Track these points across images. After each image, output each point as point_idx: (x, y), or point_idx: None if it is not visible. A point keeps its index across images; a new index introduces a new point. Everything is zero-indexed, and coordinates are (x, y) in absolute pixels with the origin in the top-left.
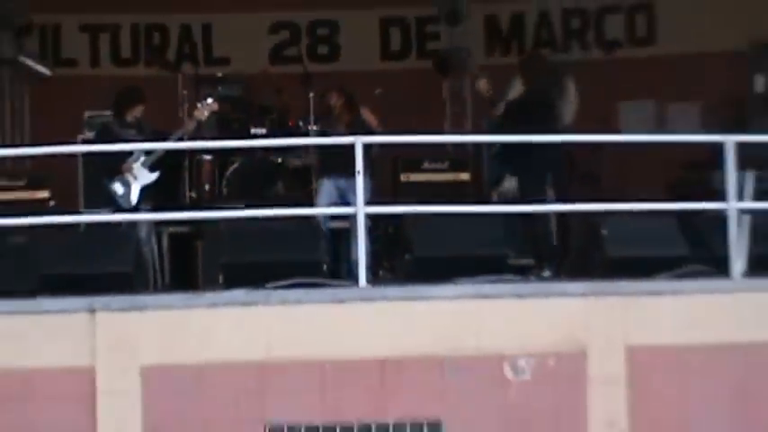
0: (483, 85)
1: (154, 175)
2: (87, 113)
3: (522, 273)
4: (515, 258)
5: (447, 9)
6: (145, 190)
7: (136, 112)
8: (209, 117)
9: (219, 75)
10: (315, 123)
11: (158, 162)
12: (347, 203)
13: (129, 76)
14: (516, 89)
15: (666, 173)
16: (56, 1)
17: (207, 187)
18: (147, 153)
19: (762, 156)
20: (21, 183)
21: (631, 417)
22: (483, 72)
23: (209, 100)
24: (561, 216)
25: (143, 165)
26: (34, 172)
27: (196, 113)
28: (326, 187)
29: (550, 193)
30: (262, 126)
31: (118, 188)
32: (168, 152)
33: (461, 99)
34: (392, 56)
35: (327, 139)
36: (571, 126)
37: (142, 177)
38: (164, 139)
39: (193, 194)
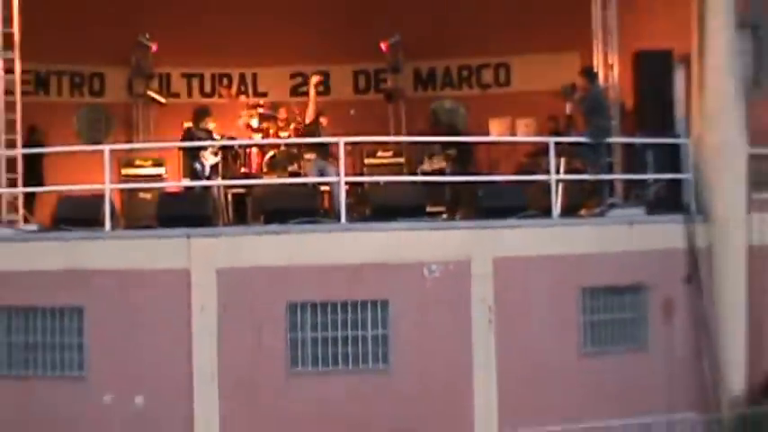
0: None
1: (216, 159)
2: (185, 125)
3: (434, 216)
4: (431, 207)
5: (391, 64)
6: (212, 167)
7: (206, 123)
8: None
9: (261, 102)
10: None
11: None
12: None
13: (209, 102)
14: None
15: (516, 159)
16: (167, 59)
17: (254, 166)
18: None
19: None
20: (149, 163)
21: (495, 297)
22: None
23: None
24: (457, 183)
25: (210, 153)
26: (156, 158)
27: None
28: (314, 166)
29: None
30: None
31: (198, 166)
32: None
33: (398, 116)
34: (360, 91)
35: (319, 138)
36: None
37: (210, 160)
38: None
39: (245, 170)
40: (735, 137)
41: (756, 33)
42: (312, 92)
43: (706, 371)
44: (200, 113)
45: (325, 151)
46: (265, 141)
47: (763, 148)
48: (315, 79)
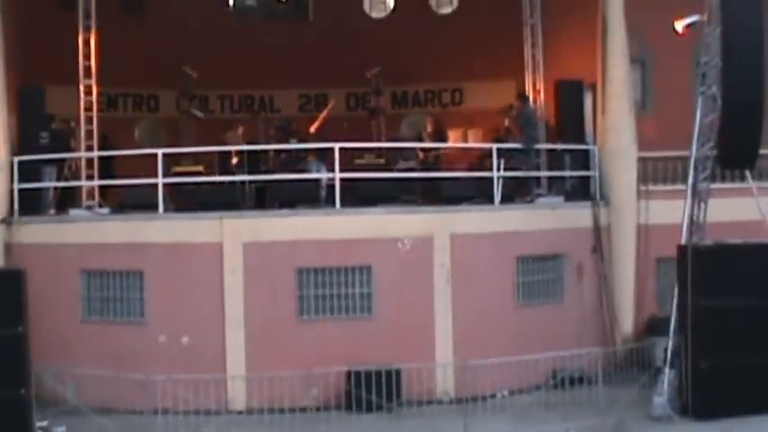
0: None
1: (235, 159)
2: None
3: (407, 203)
4: (404, 196)
5: (375, 89)
6: (236, 166)
7: (228, 135)
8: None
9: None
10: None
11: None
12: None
13: (238, 118)
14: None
15: (468, 160)
16: (205, 84)
17: (271, 164)
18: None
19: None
20: (190, 162)
21: (451, 263)
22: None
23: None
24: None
25: (235, 155)
26: (196, 158)
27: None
28: (314, 165)
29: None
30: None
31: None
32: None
33: (379, 129)
34: (351, 109)
35: (319, 144)
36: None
37: (234, 160)
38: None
39: (264, 167)
40: (628, 144)
41: (643, 67)
42: (325, 112)
43: (605, 316)
44: (230, 128)
45: (324, 154)
46: (277, 147)
47: (648, 152)
48: (331, 104)
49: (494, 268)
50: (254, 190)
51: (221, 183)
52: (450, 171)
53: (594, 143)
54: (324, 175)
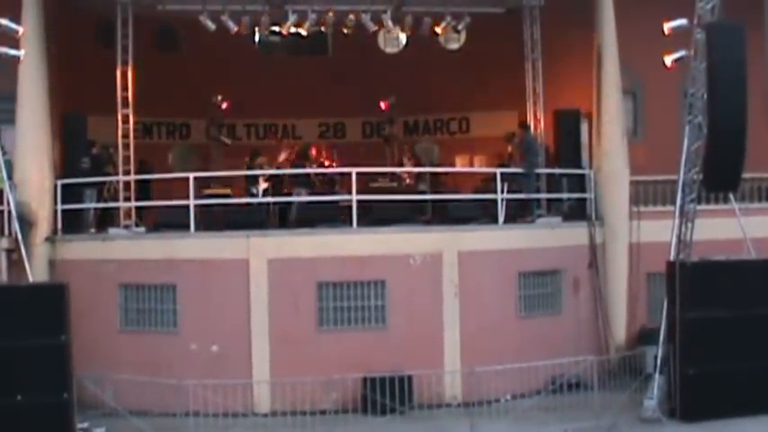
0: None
1: (266, 185)
2: (246, 159)
3: (418, 223)
4: (418, 216)
5: (388, 118)
6: (264, 190)
7: (260, 160)
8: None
9: (296, 145)
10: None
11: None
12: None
13: (263, 145)
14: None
15: (474, 183)
16: (232, 113)
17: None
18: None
19: (511, 177)
20: (219, 185)
21: (459, 278)
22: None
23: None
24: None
25: (262, 181)
26: (223, 180)
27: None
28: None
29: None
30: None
31: (253, 190)
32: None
33: (392, 153)
34: (366, 136)
35: (337, 169)
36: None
37: (262, 185)
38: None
39: (287, 190)
40: (621, 168)
41: (635, 98)
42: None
43: (600, 327)
44: (254, 154)
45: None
46: (298, 171)
47: (640, 176)
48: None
49: (498, 283)
50: (277, 210)
51: (248, 204)
52: (458, 193)
53: (590, 168)
54: (341, 198)
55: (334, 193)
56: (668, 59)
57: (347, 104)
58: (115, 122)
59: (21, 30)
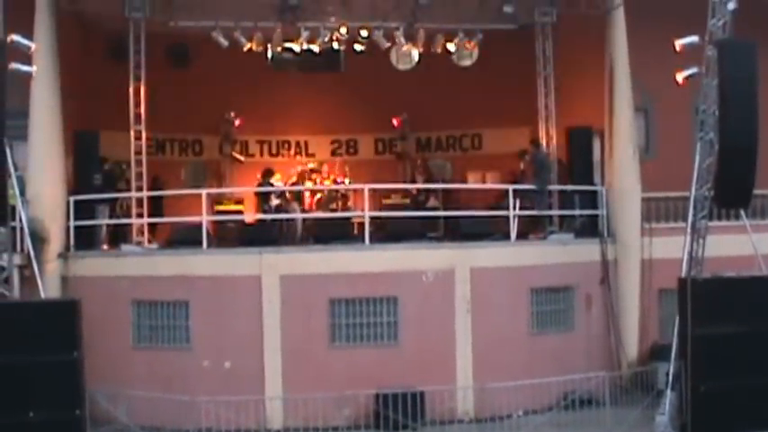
0: None
1: (278, 201)
2: (259, 176)
3: (431, 239)
4: (429, 233)
5: (400, 134)
6: (277, 207)
7: (272, 178)
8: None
9: (311, 162)
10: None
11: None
12: None
13: (276, 162)
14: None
15: (486, 200)
16: (245, 130)
17: (307, 204)
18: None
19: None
20: (233, 203)
21: (471, 295)
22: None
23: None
24: (446, 216)
25: (274, 198)
26: (238, 199)
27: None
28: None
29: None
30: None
31: (266, 207)
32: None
33: (405, 170)
34: (379, 153)
35: (349, 186)
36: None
37: (274, 201)
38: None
39: (300, 207)
40: (633, 185)
41: (646, 115)
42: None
43: (612, 343)
44: (267, 173)
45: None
46: (312, 187)
47: (651, 193)
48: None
49: (510, 299)
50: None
51: (260, 221)
52: (470, 210)
53: (602, 184)
54: (353, 214)
55: (346, 209)
56: (680, 76)
57: (360, 121)
58: (127, 139)
59: (33, 46)
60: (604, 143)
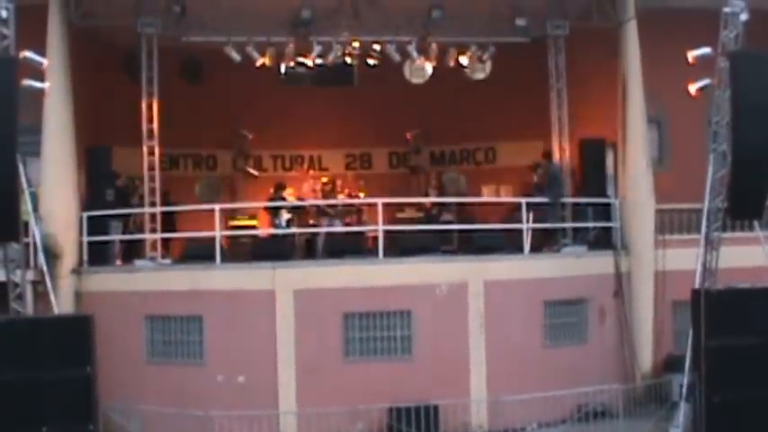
0: None
1: (289, 216)
2: (271, 190)
3: (445, 252)
4: (442, 246)
5: (414, 148)
6: (288, 221)
7: (284, 192)
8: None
9: (324, 176)
10: None
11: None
12: None
13: (289, 176)
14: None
15: (501, 213)
16: (259, 145)
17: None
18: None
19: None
20: (246, 218)
21: (485, 308)
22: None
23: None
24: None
25: (286, 213)
26: (251, 213)
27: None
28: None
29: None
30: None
31: (277, 221)
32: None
33: (419, 184)
34: (393, 167)
35: (363, 200)
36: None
37: (285, 216)
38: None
39: (313, 221)
40: (646, 197)
41: (660, 127)
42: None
43: (626, 355)
44: (279, 187)
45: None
46: (324, 202)
47: (665, 205)
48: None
49: (523, 312)
50: (303, 242)
51: (273, 236)
52: (484, 223)
53: (616, 197)
54: (367, 228)
55: (360, 223)
56: (693, 88)
57: (373, 135)
58: (140, 154)
59: (45, 62)
60: (617, 155)
